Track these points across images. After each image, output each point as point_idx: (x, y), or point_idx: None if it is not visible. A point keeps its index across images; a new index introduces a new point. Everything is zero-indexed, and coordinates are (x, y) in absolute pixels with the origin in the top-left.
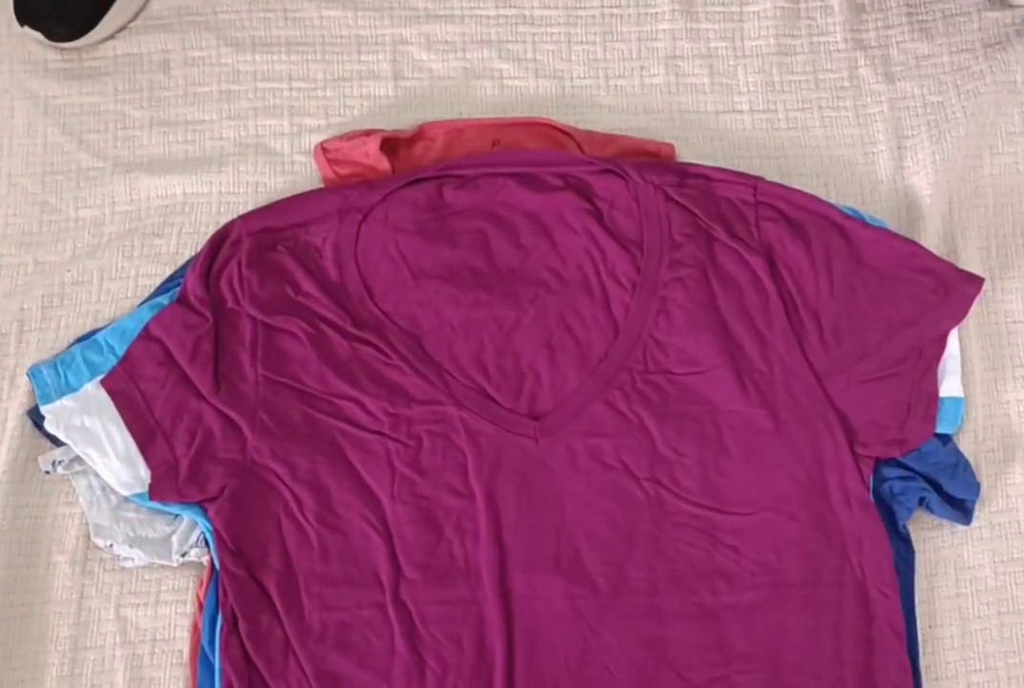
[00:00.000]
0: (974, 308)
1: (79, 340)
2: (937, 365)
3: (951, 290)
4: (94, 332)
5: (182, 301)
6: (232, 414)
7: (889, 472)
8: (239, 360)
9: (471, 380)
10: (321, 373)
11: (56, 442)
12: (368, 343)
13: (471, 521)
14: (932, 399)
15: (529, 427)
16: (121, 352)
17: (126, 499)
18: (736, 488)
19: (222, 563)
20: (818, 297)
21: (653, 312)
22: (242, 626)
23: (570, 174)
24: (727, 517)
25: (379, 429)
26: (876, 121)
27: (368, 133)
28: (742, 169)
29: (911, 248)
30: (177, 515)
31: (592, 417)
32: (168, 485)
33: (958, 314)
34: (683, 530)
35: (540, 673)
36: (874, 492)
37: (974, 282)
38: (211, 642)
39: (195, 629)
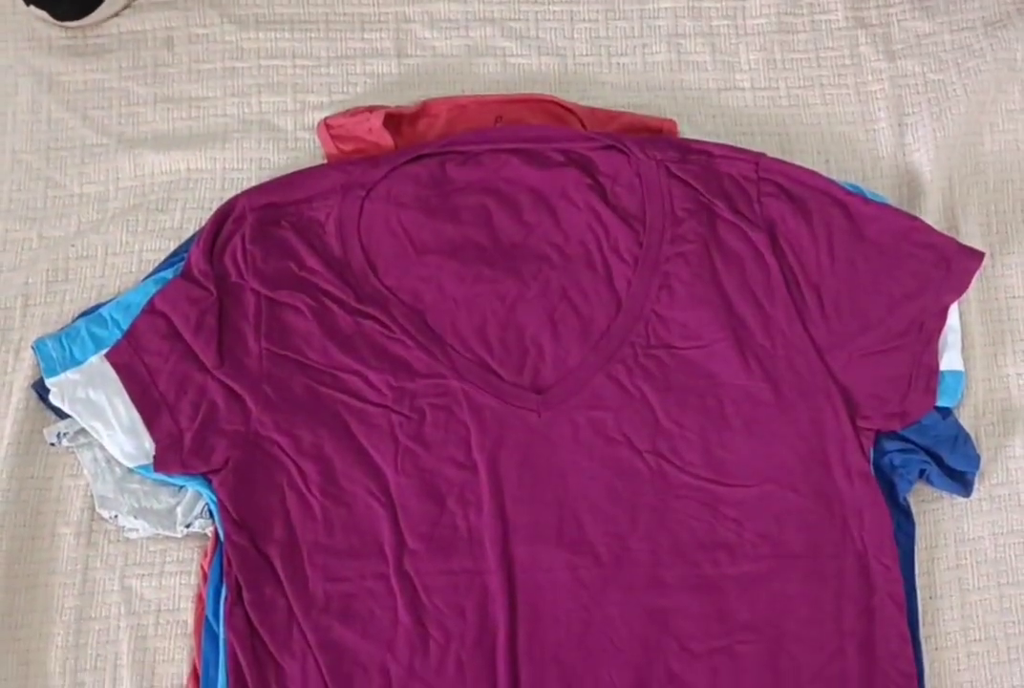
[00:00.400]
0: (974, 282)
1: (83, 314)
2: (938, 339)
3: (952, 264)
4: (98, 306)
5: (186, 276)
6: (236, 387)
7: (890, 445)
8: (243, 334)
9: (474, 354)
10: (324, 347)
11: (61, 415)
12: (371, 317)
13: (474, 493)
14: (933, 372)
15: (532, 400)
16: (125, 326)
17: (131, 471)
18: (738, 461)
19: (226, 534)
20: (819, 272)
21: (655, 287)
22: (246, 596)
23: (573, 150)
24: (729, 489)
25: (382, 402)
26: (877, 98)
27: (371, 109)
28: (744, 146)
29: (912, 223)
30: (181, 486)
31: (594, 391)
32: (172, 457)
33: (959, 288)
34: (685, 502)
35: (542, 643)
36: (875, 465)
37: (975, 256)
38: (215, 612)
39: (199, 599)
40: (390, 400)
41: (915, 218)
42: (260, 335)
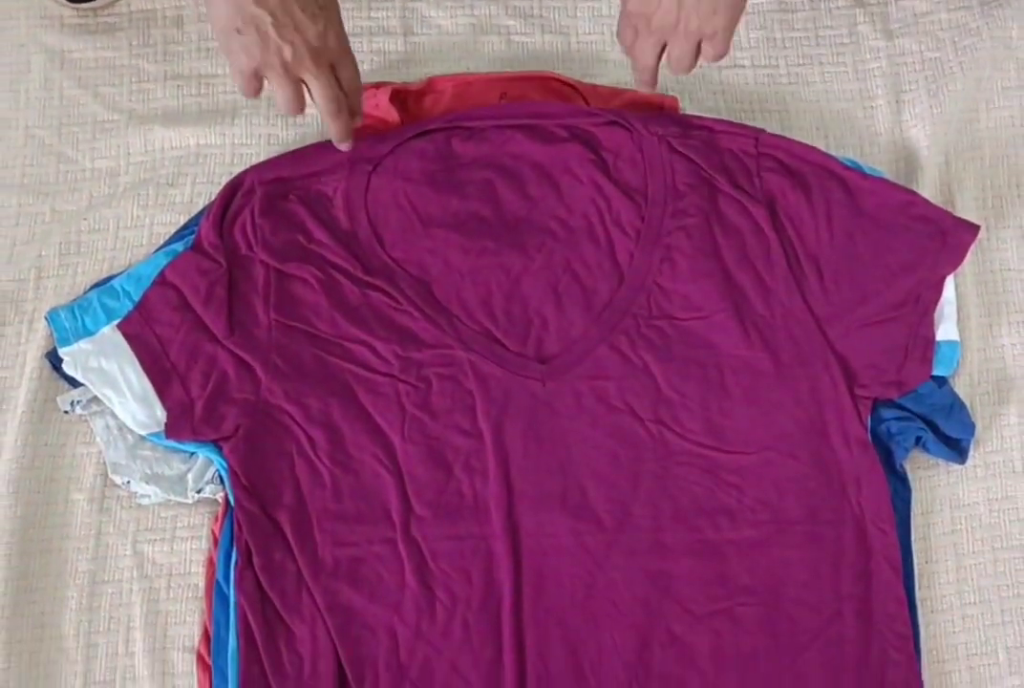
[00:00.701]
0: (970, 255)
1: (96, 286)
2: (934, 310)
3: (948, 237)
4: (110, 278)
5: (196, 248)
6: (246, 357)
7: (887, 413)
8: (252, 305)
9: (479, 325)
10: (333, 318)
11: (74, 383)
12: (378, 289)
13: (480, 460)
14: (929, 342)
15: (536, 370)
16: (137, 297)
17: (142, 438)
18: (738, 429)
19: (236, 500)
20: (818, 245)
21: (657, 259)
22: (256, 560)
23: (576, 126)
24: (729, 456)
25: (390, 372)
26: (875, 76)
27: (378, 86)
28: (745, 122)
29: (909, 197)
30: (192, 453)
31: (597, 361)
32: (183, 424)
33: (955, 260)
34: (686, 469)
35: (547, 606)
36: (872, 432)
37: (970, 229)
38: (226, 576)
39: (210, 563)
40: (397, 369)
41: (912, 192)
42: (269, 306)
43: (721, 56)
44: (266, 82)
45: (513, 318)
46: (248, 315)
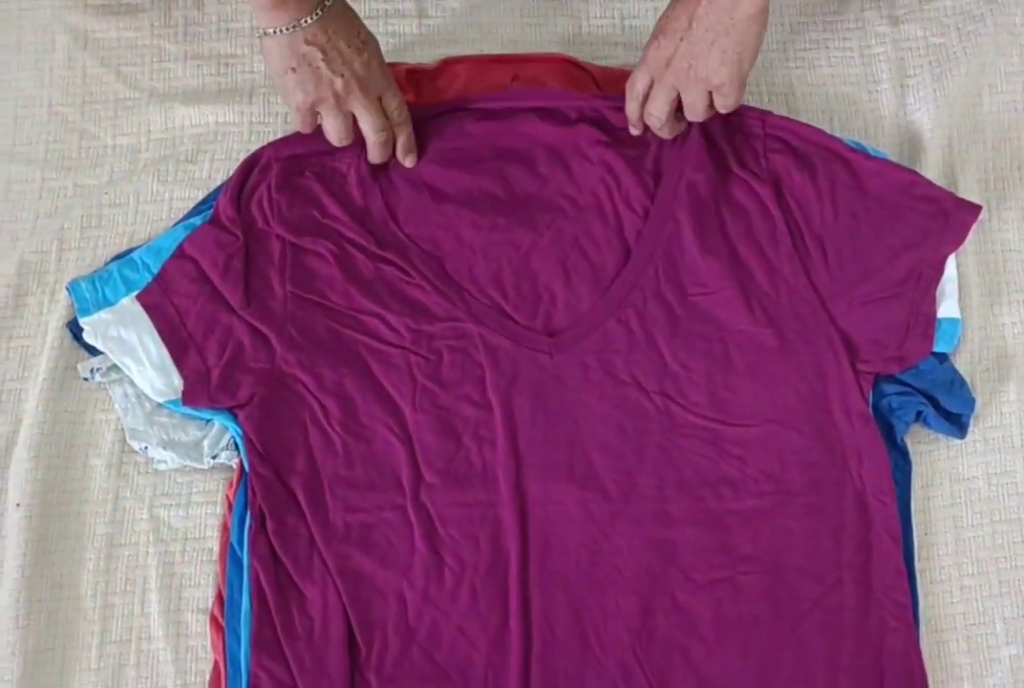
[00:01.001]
0: (971, 235)
1: (116, 258)
2: (935, 288)
3: (950, 217)
4: (130, 251)
5: (214, 222)
6: (261, 327)
7: (889, 388)
8: (268, 278)
9: (489, 299)
10: (346, 291)
11: (93, 352)
12: (391, 263)
13: (488, 430)
14: (930, 319)
15: (544, 343)
16: (156, 269)
17: (160, 405)
18: (741, 402)
19: (251, 466)
20: (823, 224)
21: (665, 236)
22: (269, 525)
23: (587, 108)
24: (732, 429)
25: (401, 344)
26: (880, 61)
27: (393, 66)
28: (752, 105)
29: (912, 178)
30: (208, 420)
31: (605, 334)
32: (200, 392)
33: (956, 240)
34: (691, 440)
35: (552, 572)
36: (874, 407)
37: (972, 209)
38: (240, 540)
39: (224, 528)
40: (408, 342)
41: (915, 173)
42: (285, 279)
43: (729, 107)
44: None
45: (522, 292)
46: (264, 287)
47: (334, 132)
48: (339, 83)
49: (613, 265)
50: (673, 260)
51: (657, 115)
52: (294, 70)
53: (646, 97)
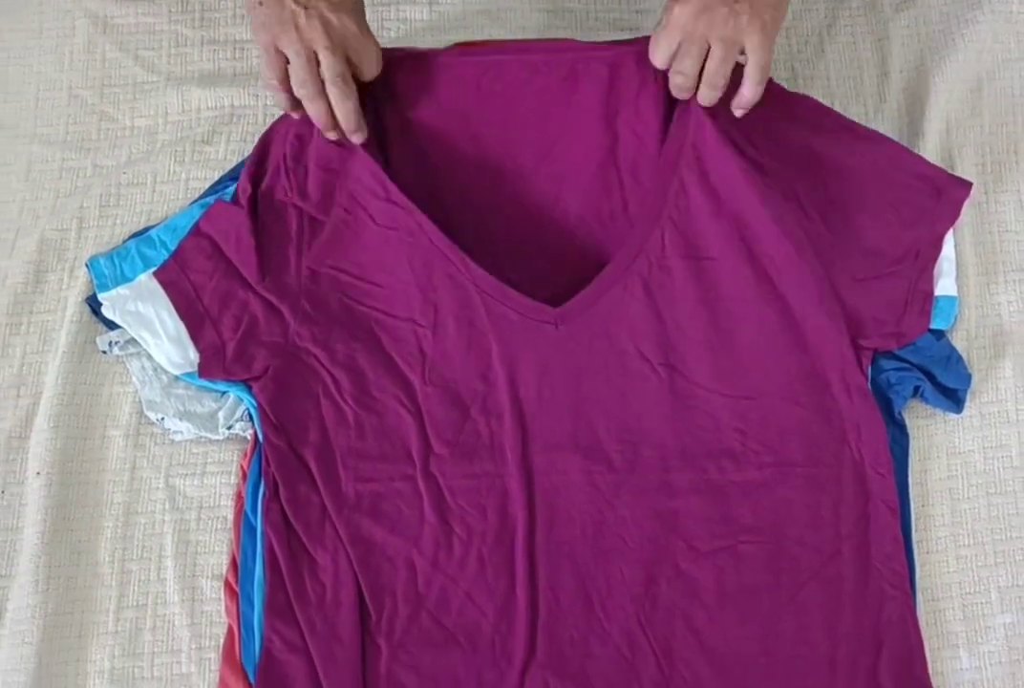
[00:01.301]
0: (968, 216)
1: (134, 236)
2: (933, 266)
3: (943, 194)
4: (148, 229)
5: (232, 199)
6: (276, 301)
7: (887, 364)
8: (284, 251)
9: (494, 268)
10: (358, 263)
11: (111, 327)
12: (399, 233)
13: (495, 402)
14: (928, 296)
15: (549, 314)
16: (173, 247)
17: (176, 378)
18: (743, 375)
19: (265, 436)
20: (825, 196)
21: (671, 203)
22: (283, 494)
23: (599, 63)
24: (734, 401)
25: (409, 316)
26: (881, 47)
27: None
28: None
29: (908, 155)
30: (223, 392)
31: (610, 304)
32: (216, 365)
33: (951, 216)
34: (693, 412)
35: (558, 541)
36: (873, 382)
37: (964, 186)
38: (254, 508)
39: (239, 497)
40: (417, 313)
41: (909, 149)
42: (300, 252)
43: (763, 66)
44: None
45: (527, 262)
46: (280, 261)
47: (297, 72)
48: (302, 17)
49: (619, 233)
50: (679, 226)
51: (691, 73)
52: (261, 3)
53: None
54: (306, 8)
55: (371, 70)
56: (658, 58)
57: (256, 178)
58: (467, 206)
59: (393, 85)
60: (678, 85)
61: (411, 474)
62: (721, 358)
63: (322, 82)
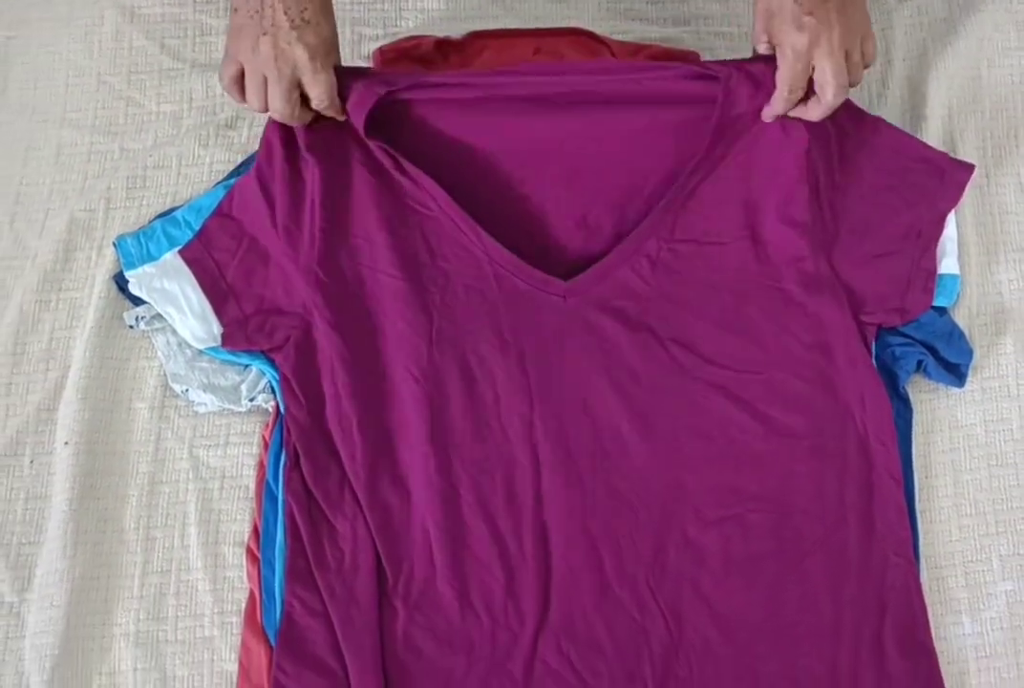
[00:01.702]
0: (968, 197)
1: (160, 216)
2: (935, 245)
3: (945, 175)
4: (173, 209)
5: (254, 175)
6: (294, 273)
7: (891, 339)
8: (302, 221)
9: (506, 239)
10: (369, 228)
11: (138, 304)
12: (414, 200)
13: (503, 371)
14: (931, 274)
15: (559, 287)
16: (197, 227)
17: (200, 352)
18: (749, 351)
19: (286, 407)
20: (829, 177)
21: (685, 188)
22: (303, 463)
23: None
24: (740, 375)
25: (420, 282)
26: (885, 36)
27: (422, 38)
28: None
29: (909, 140)
30: (246, 366)
31: (618, 281)
32: (239, 336)
33: (953, 197)
34: (701, 385)
35: (568, 508)
36: (877, 357)
37: (966, 168)
38: (275, 477)
39: (260, 466)
40: (427, 280)
41: (911, 135)
42: (315, 219)
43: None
44: None
45: (540, 235)
46: (297, 228)
47: (247, 87)
48: (262, 41)
49: (632, 213)
50: (691, 210)
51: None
52: (236, 11)
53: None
54: (264, 33)
55: (320, 101)
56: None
57: (272, 155)
58: (482, 175)
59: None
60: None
61: (421, 441)
62: (727, 335)
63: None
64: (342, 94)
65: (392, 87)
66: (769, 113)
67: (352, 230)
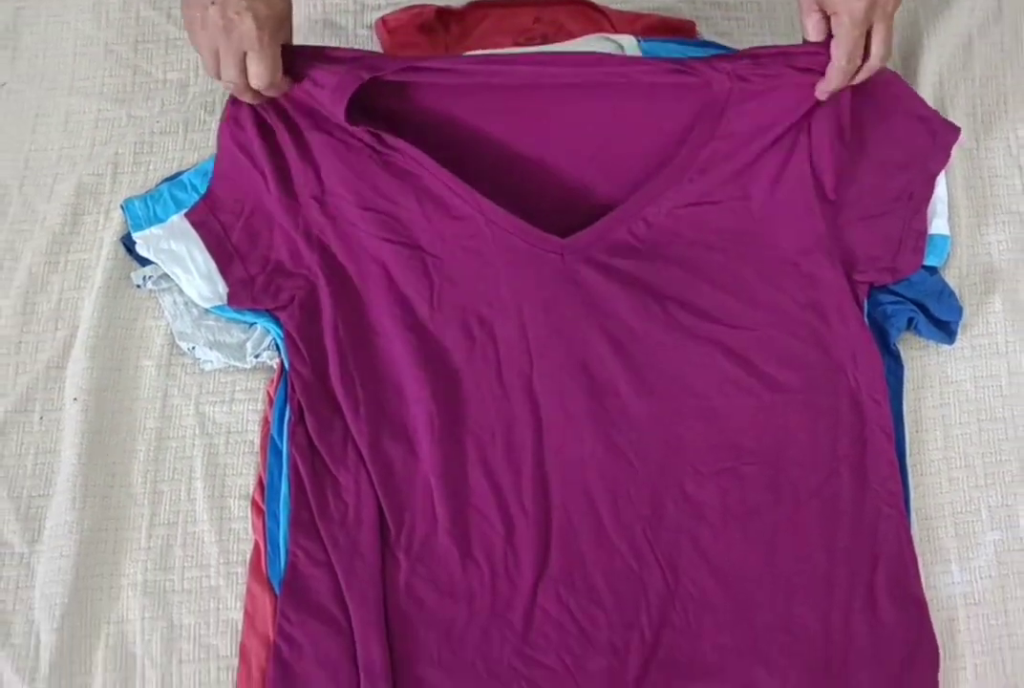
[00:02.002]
0: (957, 157)
1: (166, 180)
2: (926, 206)
3: (936, 136)
4: (179, 173)
5: (234, 144)
6: (295, 234)
7: (882, 298)
8: (306, 182)
9: (505, 198)
10: (368, 188)
11: (145, 265)
12: (409, 159)
13: (502, 329)
14: (921, 235)
15: (556, 244)
16: (203, 190)
17: (206, 311)
18: (744, 308)
19: (291, 363)
20: (843, 143)
21: (685, 154)
22: (308, 418)
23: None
24: (735, 332)
25: (417, 243)
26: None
27: (424, 7)
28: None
29: (913, 96)
30: (252, 324)
31: (615, 241)
32: (244, 295)
33: (943, 158)
34: (697, 342)
35: (567, 462)
36: (869, 315)
37: (954, 129)
38: (280, 432)
39: (265, 421)
40: (423, 242)
41: (913, 90)
42: (319, 180)
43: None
44: None
45: (539, 192)
46: (293, 199)
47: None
48: (210, 11)
49: (640, 172)
50: (688, 174)
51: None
52: None
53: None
54: (213, 3)
55: (259, 78)
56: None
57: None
58: (479, 127)
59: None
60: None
61: (424, 397)
62: (722, 294)
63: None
64: (291, 71)
65: (376, 73)
66: (825, 88)
67: (346, 196)
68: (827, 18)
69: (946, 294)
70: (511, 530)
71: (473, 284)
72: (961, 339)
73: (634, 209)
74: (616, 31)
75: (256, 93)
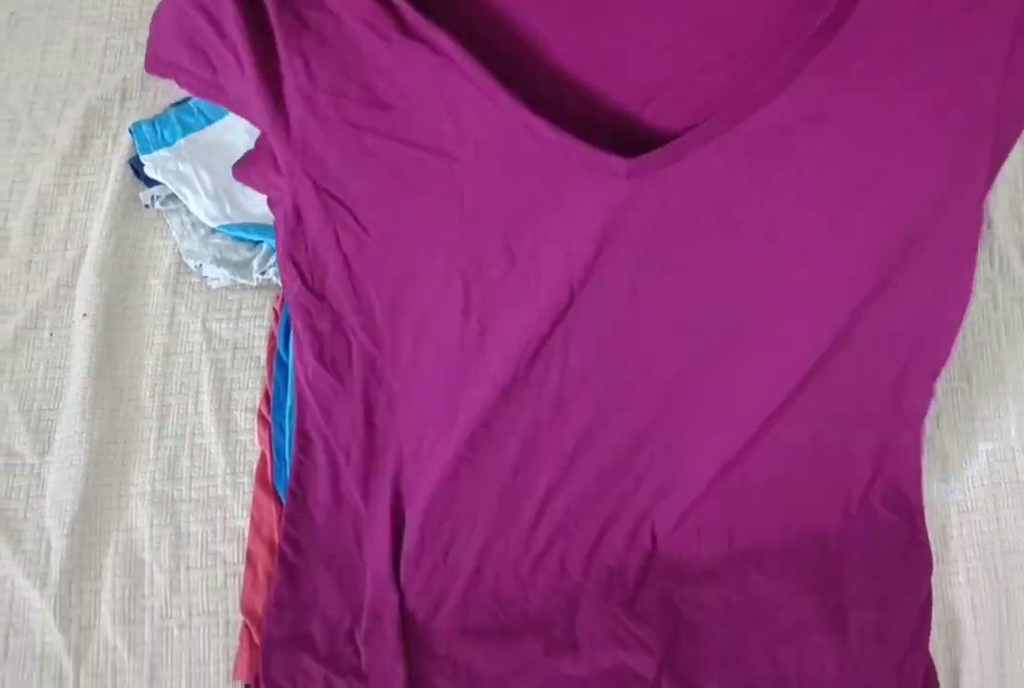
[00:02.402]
0: None
1: (174, 105)
2: None
3: None
4: (187, 99)
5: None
6: (277, 137)
7: None
8: (296, 73)
9: (555, 101)
10: (365, 85)
11: (152, 187)
12: (434, 50)
13: (546, 255)
14: None
15: (620, 165)
16: (211, 116)
17: (213, 231)
18: (799, 243)
19: (288, 283)
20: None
21: (805, 50)
22: (305, 336)
23: None
24: (783, 265)
25: (440, 146)
26: None
27: None
28: None
29: None
30: (257, 242)
31: (686, 167)
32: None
33: None
34: (747, 274)
35: (589, 383)
36: None
37: None
38: (285, 346)
39: (271, 336)
40: (449, 145)
41: None
42: (316, 84)
43: None
44: None
45: (602, 98)
46: (279, 93)
47: None
48: None
49: (727, 92)
50: (802, 79)
51: None
52: None
53: None
54: None
55: None
56: None
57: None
58: (527, 19)
59: None
60: None
61: (453, 313)
62: (783, 234)
63: None
64: None
65: None
66: None
67: (340, 87)
68: None
69: None
70: (524, 447)
71: (512, 201)
72: None
73: (720, 129)
74: None
75: None
